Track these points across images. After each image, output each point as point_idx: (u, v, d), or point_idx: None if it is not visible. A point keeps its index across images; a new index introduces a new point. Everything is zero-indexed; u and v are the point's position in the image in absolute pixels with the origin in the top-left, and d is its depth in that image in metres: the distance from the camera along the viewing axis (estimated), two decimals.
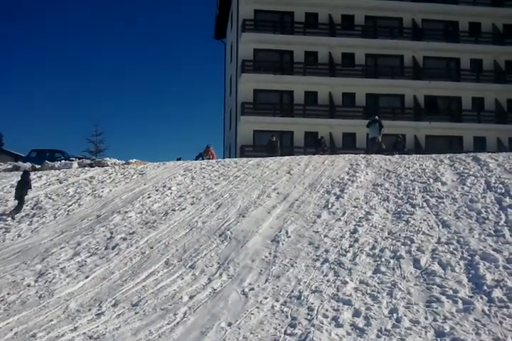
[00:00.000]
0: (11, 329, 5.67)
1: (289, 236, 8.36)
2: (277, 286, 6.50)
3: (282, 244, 8.06)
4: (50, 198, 12.17)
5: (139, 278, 7.08)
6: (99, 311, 6.08)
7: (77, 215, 10.78)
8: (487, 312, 5.54)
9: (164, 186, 12.65)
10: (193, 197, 11.40)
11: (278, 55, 27.26)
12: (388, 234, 8.18)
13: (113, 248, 8.43)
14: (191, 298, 6.34)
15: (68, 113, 73.92)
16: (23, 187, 11.56)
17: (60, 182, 13.74)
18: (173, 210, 10.48)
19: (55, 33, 74.24)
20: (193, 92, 78.66)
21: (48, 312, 6.13)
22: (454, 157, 13.68)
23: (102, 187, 12.95)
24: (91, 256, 8.14)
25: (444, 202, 9.61)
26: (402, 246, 7.54)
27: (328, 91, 26.63)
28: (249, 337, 5.22)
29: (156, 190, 12.29)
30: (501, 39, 28.12)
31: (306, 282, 6.55)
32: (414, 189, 10.67)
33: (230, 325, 5.53)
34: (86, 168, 16.57)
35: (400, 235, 8.05)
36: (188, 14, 79.09)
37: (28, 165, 18.08)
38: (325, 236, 8.26)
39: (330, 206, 9.87)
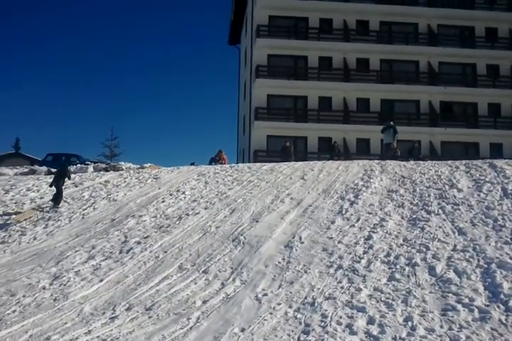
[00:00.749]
0: (26, 332, 5.72)
1: (303, 242, 8.33)
2: (291, 292, 6.47)
3: (296, 249, 8.03)
4: (65, 202, 12.27)
5: (153, 282, 7.10)
6: (113, 315, 6.10)
7: (92, 219, 10.86)
8: (504, 321, 5.46)
9: (178, 191, 12.70)
10: (207, 202, 11.43)
11: (292, 60, 27.27)
12: (403, 240, 8.11)
13: (127, 252, 8.48)
14: (204, 302, 6.34)
15: (84, 118, 74.75)
16: (60, 178, 12.37)
17: (76, 186, 13.86)
18: (187, 215, 10.51)
19: (70, 35, 75.27)
20: (208, 97, 79.09)
21: (63, 315, 6.17)
22: (470, 163, 13.55)
23: (117, 191, 13.04)
24: (105, 259, 8.19)
25: (460, 209, 9.51)
26: (418, 254, 7.47)
27: (343, 97, 26.55)
28: None
29: (170, 195, 12.35)
30: None
31: (319, 288, 6.51)
32: (429, 195, 10.57)
33: (243, 330, 5.51)
34: (101, 172, 16.71)
35: (415, 242, 7.97)
36: (203, 20, 79.66)
37: (44, 168, 18.29)
38: (339, 242, 8.22)
39: (344, 212, 9.82)
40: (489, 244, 7.67)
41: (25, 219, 11.08)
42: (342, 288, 6.49)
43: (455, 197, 10.35)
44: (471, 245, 7.71)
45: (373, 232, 8.55)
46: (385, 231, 8.60)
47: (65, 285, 7.17)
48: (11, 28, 73.36)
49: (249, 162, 23.80)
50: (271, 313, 5.90)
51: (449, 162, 14.29)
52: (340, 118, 26.31)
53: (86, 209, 11.59)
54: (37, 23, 74.27)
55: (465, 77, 28.28)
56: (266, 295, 6.44)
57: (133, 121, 75.42)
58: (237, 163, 25.92)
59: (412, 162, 15.04)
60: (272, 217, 9.86)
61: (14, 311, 6.34)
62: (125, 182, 14.31)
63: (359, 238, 8.35)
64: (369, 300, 6.07)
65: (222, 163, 19.01)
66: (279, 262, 7.59)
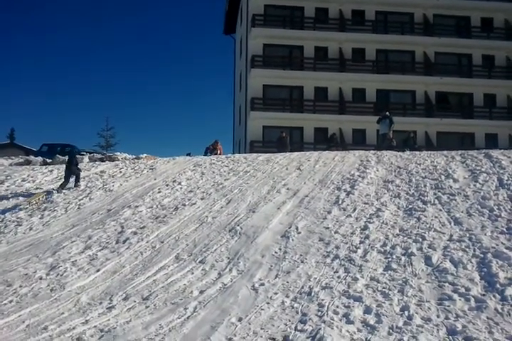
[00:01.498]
0: (23, 322, 5.71)
1: (299, 232, 8.34)
2: (287, 282, 6.49)
3: (292, 239, 8.04)
4: (61, 192, 12.22)
5: (150, 272, 7.10)
6: (110, 305, 6.10)
7: (88, 209, 10.83)
8: (500, 310, 5.49)
9: (174, 181, 12.67)
10: (203, 192, 11.41)
11: (288, 50, 27.14)
12: (399, 230, 8.13)
13: (124, 242, 8.46)
14: (201, 292, 6.34)
15: (79, 107, 74.26)
16: (70, 165, 12.94)
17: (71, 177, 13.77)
18: (183, 205, 10.49)
19: (66, 25, 74.48)
20: (203, 88, 78.74)
21: (60, 305, 6.16)
22: (465, 154, 13.57)
23: (113, 182, 13.00)
24: (102, 249, 8.17)
25: (455, 199, 9.54)
26: (414, 243, 7.49)
27: (338, 87, 26.49)
28: (260, 333, 5.22)
29: (167, 185, 12.32)
30: None
31: (316, 278, 6.53)
32: (425, 186, 10.60)
33: (240, 320, 5.52)
34: (97, 163, 16.63)
35: (411, 232, 8.00)
36: (198, 9, 78.96)
37: (39, 159, 18.19)
38: (335, 232, 8.23)
39: (340, 202, 9.83)
40: (485, 234, 7.70)
41: (36, 202, 11.50)
42: (339, 277, 6.51)
43: (451, 187, 10.37)
44: (467, 235, 7.74)
45: (369, 222, 8.57)
46: (381, 221, 8.61)
47: (61, 275, 7.15)
48: (8, 18, 72.57)
49: (245, 152, 23.77)
50: (268, 303, 5.91)
51: (445, 152, 14.32)
52: (336, 108, 26.28)
53: (82, 199, 11.55)
54: (33, 14, 73.42)
55: (461, 67, 28.26)
56: (263, 284, 6.45)
57: (128, 112, 75.08)
58: (234, 153, 25.86)
59: (407, 152, 15.05)
60: (269, 208, 9.86)
61: (11, 301, 6.32)
62: (121, 172, 14.26)
63: (355, 228, 8.36)
64: (365, 290, 6.09)
65: (216, 154, 18.90)
66: (275, 252, 7.60)
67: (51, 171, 14.66)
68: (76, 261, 7.70)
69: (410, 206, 9.38)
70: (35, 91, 74.11)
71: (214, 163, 14.73)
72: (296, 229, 8.50)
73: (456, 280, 6.24)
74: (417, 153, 14.85)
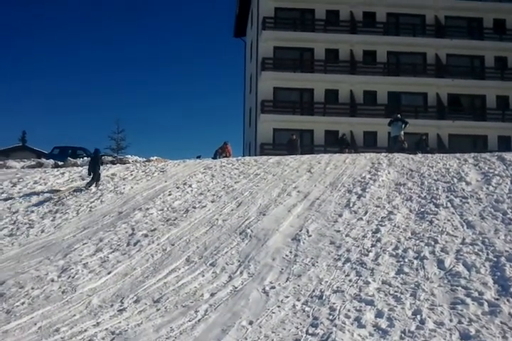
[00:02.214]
0: (35, 324, 5.75)
1: (310, 235, 8.31)
2: (298, 285, 6.46)
3: (303, 242, 8.01)
4: (72, 195, 12.31)
5: (161, 275, 7.11)
6: (121, 307, 6.12)
7: (99, 212, 10.88)
8: None
9: (185, 184, 12.70)
10: (214, 195, 11.42)
11: (298, 52, 27.10)
12: (411, 234, 8.07)
13: (135, 244, 8.49)
14: (212, 295, 6.34)
15: (90, 110, 74.83)
16: (95, 164, 13.42)
17: (83, 179, 13.87)
18: (194, 208, 10.51)
19: (78, 26, 75.21)
20: (214, 91, 78.92)
21: (71, 307, 6.19)
22: (478, 156, 13.45)
23: (124, 184, 13.06)
24: (113, 252, 8.20)
25: (468, 202, 9.45)
26: (426, 247, 7.43)
27: (349, 89, 26.39)
28: (271, 336, 5.20)
29: (177, 188, 12.35)
30: None
31: (327, 281, 6.50)
32: (437, 189, 10.51)
33: (251, 323, 5.51)
34: (108, 165, 16.72)
35: (423, 235, 7.93)
36: (209, 12, 79.28)
37: (50, 161, 18.34)
38: (346, 235, 8.18)
39: (351, 205, 9.78)
40: (498, 238, 7.62)
41: (65, 196, 12.15)
42: (350, 281, 6.47)
43: (464, 190, 10.28)
44: (480, 238, 7.66)
45: (381, 225, 8.51)
46: (393, 224, 8.55)
47: (73, 277, 7.19)
48: (15, 18, 73.41)
49: (255, 155, 23.76)
50: (279, 306, 5.89)
51: (458, 155, 14.20)
52: (347, 111, 26.19)
53: (93, 202, 11.61)
54: (41, 13, 74.21)
55: (473, 69, 28.02)
56: (273, 288, 6.43)
57: (138, 114, 75.47)
58: (244, 156, 25.85)
59: (419, 155, 14.96)
60: (279, 210, 9.84)
61: (23, 303, 6.37)
62: (132, 175, 14.32)
63: (367, 231, 8.31)
64: (377, 294, 6.05)
65: (226, 156, 18.84)
66: (286, 255, 7.57)
67: (63, 174, 14.76)
68: (87, 263, 7.74)
69: (422, 209, 9.31)
70: (45, 93, 74.84)
71: (224, 166, 14.74)
72: (307, 232, 8.47)
73: (469, 284, 6.17)
74: (429, 155, 14.75)
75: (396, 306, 5.70)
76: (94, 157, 14.05)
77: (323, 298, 6.02)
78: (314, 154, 17.09)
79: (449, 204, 9.43)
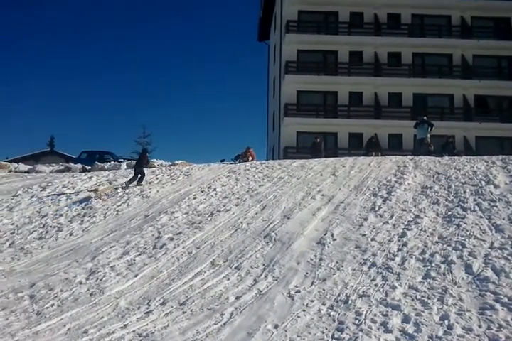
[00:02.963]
0: (64, 325, 5.87)
1: (335, 239, 8.27)
2: (323, 289, 6.43)
3: (328, 246, 7.98)
4: (100, 198, 12.52)
5: (186, 278, 7.18)
6: (148, 309, 6.20)
7: (126, 215, 11.05)
8: None
9: (209, 187, 12.79)
10: (238, 199, 11.47)
11: (322, 55, 27.04)
12: (438, 238, 7.95)
13: (161, 247, 8.59)
14: (237, 298, 6.37)
15: (117, 115, 76.02)
16: (139, 163, 14.23)
17: (110, 183, 14.12)
18: (218, 211, 10.57)
19: (108, 28, 76.55)
20: (237, 95, 79.26)
21: (99, 309, 6.30)
22: (506, 159, 13.19)
23: (150, 188, 13.23)
24: (140, 255, 8.32)
25: (496, 206, 9.27)
26: (453, 251, 7.31)
27: (374, 92, 26.19)
28: (296, 340, 5.19)
29: (202, 191, 12.45)
30: None
31: (353, 286, 6.45)
32: (465, 192, 10.34)
33: (276, 327, 5.51)
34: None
35: (450, 239, 7.81)
36: (233, 16, 79.74)
37: (78, 166, 18.71)
38: (372, 239, 8.12)
39: (377, 209, 9.70)
40: None
41: (106, 194, 12.76)
42: (376, 285, 6.42)
43: (492, 193, 10.09)
44: (509, 242, 7.50)
45: (407, 229, 8.42)
46: (420, 228, 8.45)
47: (100, 280, 7.31)
48: (43, 21, 75.16)
49: (279, 159, 23.75)
50: (304, 310, 5.88)
51: (485, 157, 13.95)
52: (372, 113, 25.97)
53: (120, 205, 11.79)
54: (66, 16, 75.76)
55: (500, 70, 27.48)
56: (298, 291, 6.42)
57: (164, 118, 76.34)
58: (267, 160, 25.90)
59: (446, 157, 14.74)
60: (304, 214, 9.83)
61: (52, 305, 6.51)
62: (157, 179, 14.51)
63: (393, 235, 8.23)
64: (404, 298, 5.98)
65: (247, 160, 18.68)
66: (311, 259, 7.55)
67: (90, 178, 15.04)
68: (115, 266, 7.86)
69: (450, 213, 9.17)
70: (73, 99, 76.38)
71: (248, 170, 14.80)
72: (332, 235, 8.43)
73: (498, 289, 6.05)
74: (456, 158, 14.52)
75: (423, 311, 5.63)
76: (141, 156, 14.73)
77: (349, 302, 5.99)
78: (338, 157, 16.99)
79: (476, 208, 9.27)
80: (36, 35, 75.57)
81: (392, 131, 25.36)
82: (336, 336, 5.21)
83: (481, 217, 8.81)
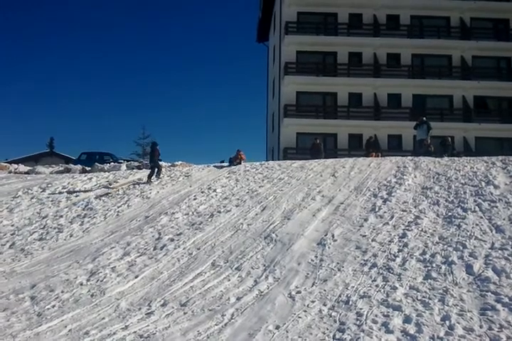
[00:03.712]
0: (65, 326, 5.86)
1: (336, 240, 8.27)
2: (324, 290, 6.43)
3: (328, 247, 7.98)
4: (100, 199, 12.52)
5: (187, 279, 7.18)
6: (149, 310, 6.19)
7: (126, 216, 11.04)
8: None
9: (209, 188, 12.79)
10: (238, 199, 11.47)
11: (321, 56, 27.04)
12: (439, 238, 7.96)
13: (161, 248, 8.59)
14: (238, 299, 6.37)
15: (116, 116, 76.00)
16: (152, 157, 14.70)
17: (110, 184, 14.10)
18: (219, 212, 10.57)
19: (106, 29, 76.54)
20: (236, 96, 79.27)
21: (100, 310, 6.29)
22: (506, 159, 13.21)
23: (150, 189, 13.22)
24: (140, 256, 8.31)
25: (497, 206, 9.28)
26: (454, 252, 7.32)
27: (373, 93, 26.21)
28: None
29: (202, 192, 12.45)
30: None
31: (353, 287, 6.45)
32: (465, 192, 10.35)
33: (277, 328, 5.51)
34: (134, 170, 16.98)
35: (451, 240, 7.82)
36: (231, 17, 79.78)
37: (78, 167, 18.69)
38: (372, 240, 8.12)
39: (377, 209, 9.70)
40: None
41: (123, 189, 13.33)
42: (377, 286, 6.42)
43: (492, 194, 10.09)
44: (510, 243, 7.51)
45: (408, 230, 8.42)
46: (420, 229, 8.45)
47: (101, 281, 7.31)
48: (41, 20, 75.18)
49: (278, 160, 23.75)
50: (305, 311, 5.88)
51: (485, 158, 13.97)
52: (371, 114, 25.97)
53: (120, 206, 11.79)
54: (64, 16, 75.75)
55: (499, 70, 27.51)
56: (299, 292, 6.42)
57: (163, 119, 76.32)
58: (267, 160, 25.89)
59: (446, 158, 14.75)
60: (304, 215, 9.83)
61: (53, 306, 6.50)
62: (157, 179, 14.49)
63: (393, 236, 8.23)
64: (405, 299, 5.98)
65: (240, 163, 18.46)
66: (311, 260, 7.55)
67: (90, 179, 15.02)
68: (115, 267, 7.86)
69: (450, 213, 9.18)
70: (72, 100, 76.36)
71: (248, 170, 14.80)
72: (332, 236, 8.43)
73: (499, 290, 6.05)
74: (456, 159, 14.54)
75: (424, 312, 5.63)
76: (152, 150, 14.94)
77: (350, 303, 5.99)
78: (338, 158, 17.00)
79: (477, 209, 9.27)
80: (36, 36, 75.58)
81: (392, 132, 25.38)
82: (337, 336, 5.21)
83: (481, 217, 8.82)
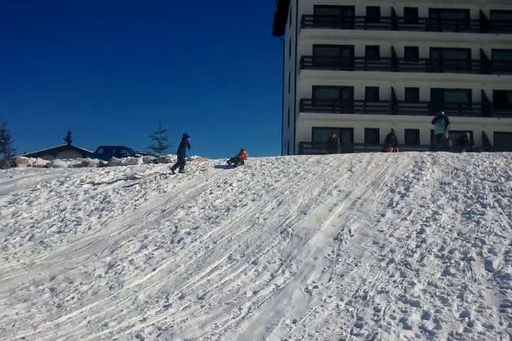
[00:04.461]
0: (85, 318, 5.94)
1: (352, 235, 8.23)
2: (341, 285, 6.41)
3: (345, 242, 7.95)
4: (117, 193, 12.63)
5: (204, 272, 7.22)
6: (167, 303, 6.24)
7: (143, 209, 11.13)
8: None
9: (225, 182, 12.82)
10: (254, 194, 11.48)
11: (338, 50, 26.84)
12: (458, 234, 7.87)
13: (178, 242, 8.65)
14: (255, 293, 6.38)
15: (133, 110, 76.48)
16: (180, 148, 14.77)
17: (127, 178, 14.22)
18: (235, 206, 10.59)
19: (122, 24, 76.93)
20: (252, 90, 79.14)
21: (119, 302, 6.36)
22: None
23: (166, 183, 13.30)
24: (157, 249, 8.38)
25: None
26: (473, 248, 7.23)
27: (390, 87, 25.95)
28: (315, 336, 5.19)
29: (218, 186, 12.48)
30: None
31: (371, 282, 6.42)
32: (484, 188, 10.21)
33: (294, 322, 5.51)
34: (151, 164, 17.09)
35: (470, 236, 7.73)
36: (247, 11, 79.48)
37: (96, 160, 18.88)
38: (390, 235, 8.06)
39: (394, 205, 9.63)
40: None
41: (150, 180, 13.66)
42: (394, 282, 6.37)
43: (511, 189, 9.95)
44: None
45: (426, 226, 8.34)
46: (439, 224, 8.37)
47: (119, 273, 7.39)
48: (61, 13, 75.75)
49: (294, 154, 23.70)
50: (322, 306, 5.87)
51: (504, 153, 13.76)
52: (388, 108, 25.75)
53: (137, 200, 11.88)
54: (82, 7, 76.23)
55: None
56: (316, 287, 6.41)
57: (178, 113, 76.59)
58: (282, 155, 25.83)
59: (465, 153, 14.56)
60: (320, 210, 9.80)
61: (73, 298, 6.60)
62: (174, 173, 14.56)
63: (411, 231, 8.17)
64: (423, 295, 5.94)
65: (242, 163, 17.67)
66: (328, 255, 7.53)
67: (108, 172, 15.16)
68: (133, 259, 7.93)
69: (469, 209, 9.07)
70: (90, 94, 76.96)
71: (264, 165, 14.79)
72: (349, 231, 8.40)
73: None
74: (475, 154, 14.35)
75: (443, 308, 5.58)
76: (182, 141, 14.89)
77: (367, 298, 5.96)
78: (354, 153, 16.89)
79: (496, 204, 9.14)
80: (53, 28, 76.23)
81: (409, 127, 25.14)
82: (354, 332, 5.20)
83: (500, 213, 8.69)
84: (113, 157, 19.18)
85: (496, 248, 7.18)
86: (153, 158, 19.02)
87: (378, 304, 5.77)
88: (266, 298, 6.19)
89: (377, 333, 5.07)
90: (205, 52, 79.49)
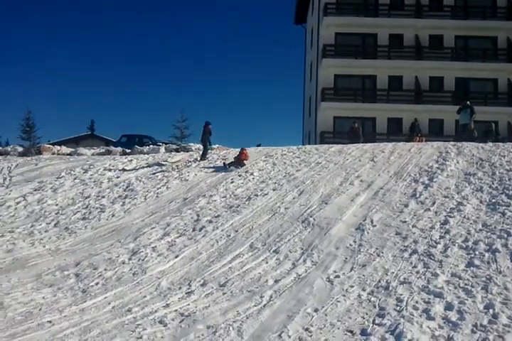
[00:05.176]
0: (109, 303, 6.03)
1: (375, 225, 8.18)
2: (363, 275, 6.39)
3: (367, 232, 7.90)
4: (140, 181, 12.76)
5: (226, 260, 7.27)
6: (189, 290, 6.31)
7: (165, 197, 11.23)
8: None
9: (246, 171, 12.83)
10: (275, 183, 11.47)
11: (361, 38, 26.42)
12: (482, 226, 7.76)
13: (200, 230, 8.71)
14: (276, 281, 6.40)
15: (155, 99, 76.87)
16: (203, 136, 14.85)
17: (149, 166, 14.35)
18: (256, 195, 10.61)
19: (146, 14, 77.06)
20: (273, 79, 78.72)
21: (142, 288, 6.45)
22: None
23: (188, 172, 13.37)
24: (180, 236, 8.46)
25: None
26: (498, 239, 7.12)
27: (414, 76, 25.49)
28: (337, 325, 5.19)
29: (239, 176, 12.50)
30: None
31: (393, 272, 6.39)
32: (510, 179, 10.03)
33: (316, 311, 5.52)
34: (172, 153, 17.20)
35: (495, 227, 7.61)
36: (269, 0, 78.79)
37: (119, 149, 19.07)
38: (413, 226, 7.99)
39: (418, 195, 9.52)
40: None
41: (178, 164, 14.15)
42: (417, 272, 6.33)
43: None
44: None
45: (450, 217, 8.24)
46: (463, 215, 8.25)
47: (142, 260, 7.48)
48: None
49: (315, 144, 23.55)
50: (344, 295, 5.86)
51: None
52: (412, 97, 25.33)
53: (160, 188, 11.99)
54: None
55: None
56: (338, 277, 6.40)
57: (200, 103, 76.75)
58: (303, 145, 25.70)
59: (490, 144, 14.28)
60: (342, 199, 9.75)
61: (97, 283, 6.71)
62: (195, 162, 14.64)
63: (435, 222, 8.07)
64: (446, 286, 5.88)
65: (243, 164, 16.64)
66: (350, 244, 7.51)
67: (130, 161, 15.31)
68: (156, 246, 8.03)
69: (494, 200, 8.92)
70: (114, 84, 77.60)
71: (285, 154, 14.75)
72: (371, 221, 8.34)
73: None
74: (501, 144, 14.06)
75: (467, 299, 5.53)
76: (203, 129, 14.87)
77: (390, 288, 5.93)
78: (377, 143, 16.71)
79: None
80: (78, 18, 76.78)
81: (433, 116, 24.69)
82: (377, 322, 5.18)
83: None
84: (136, 145, 19.35)
85: None
86: (174, 146, 19.14)
87: (401, 294, 5.74)
88: (287, 287, 6.21)
89: (399, 323, 5.05)
90: (227, 41, 79.24)
